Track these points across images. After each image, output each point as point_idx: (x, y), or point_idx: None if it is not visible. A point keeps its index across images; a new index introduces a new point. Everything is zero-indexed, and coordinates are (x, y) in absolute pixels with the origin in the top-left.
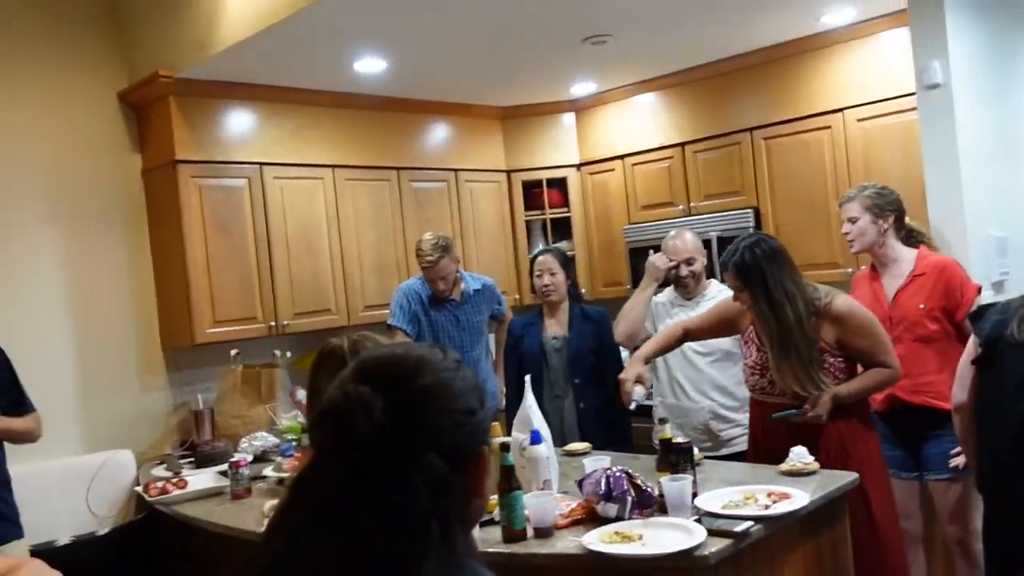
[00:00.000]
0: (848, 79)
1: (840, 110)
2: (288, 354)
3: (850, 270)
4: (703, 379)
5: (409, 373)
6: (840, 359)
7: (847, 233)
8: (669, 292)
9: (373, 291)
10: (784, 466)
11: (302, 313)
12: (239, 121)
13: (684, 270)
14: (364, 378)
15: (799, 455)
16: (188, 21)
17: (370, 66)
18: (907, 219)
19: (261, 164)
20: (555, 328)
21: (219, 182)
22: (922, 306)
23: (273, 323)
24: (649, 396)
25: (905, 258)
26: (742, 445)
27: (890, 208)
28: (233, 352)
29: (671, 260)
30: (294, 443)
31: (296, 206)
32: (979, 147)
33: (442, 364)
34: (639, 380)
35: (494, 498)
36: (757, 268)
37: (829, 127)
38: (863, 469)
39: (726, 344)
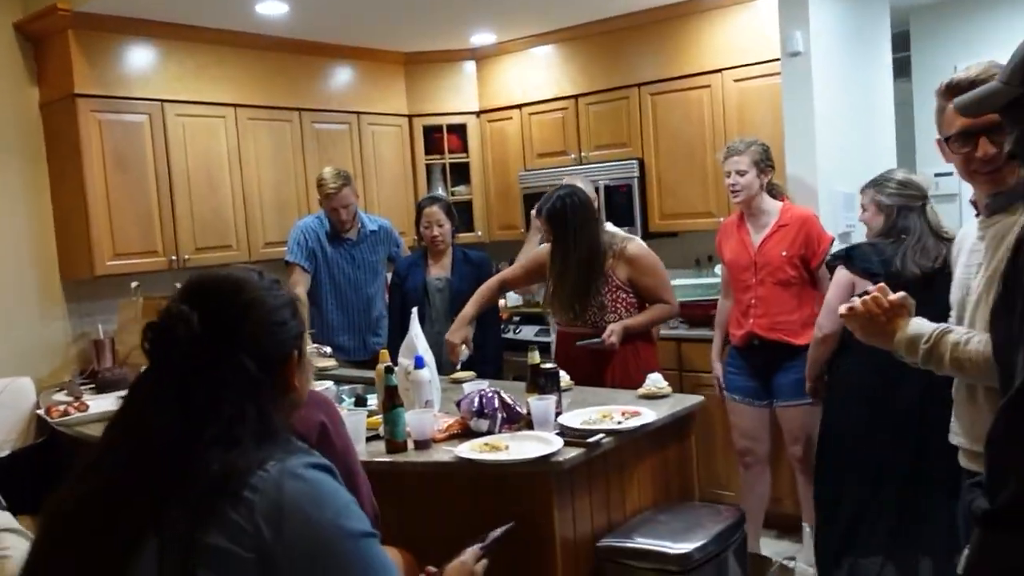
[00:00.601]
0: (727, 42)
1: (719, 71)
2: None
3: (722, 218)
4: None
5: (226, 292)
6: (631, 295)
7: (734, 185)
8: None
9: (273, 228)
10: (641, 390)
11: (203, 248)
12: (141, 57)
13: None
14: (187, 297)
15: (654, 380)
16: None
17: (272, 8)
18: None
19: (163, 101)
20: (438, 270)
21: (119, 117)
22: (784, 253)
23: (174, 257)
24: (472, 353)
25: (771, 210)
26: None
27: (769, 164)
28: (133, 284)
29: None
30: None
31: (198, 143)
32: (833, 111)
33: (258, 284)
34: (464, 342)
35: (379, 416)
36: (564, 214)
37: (709, 86)
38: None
39: None
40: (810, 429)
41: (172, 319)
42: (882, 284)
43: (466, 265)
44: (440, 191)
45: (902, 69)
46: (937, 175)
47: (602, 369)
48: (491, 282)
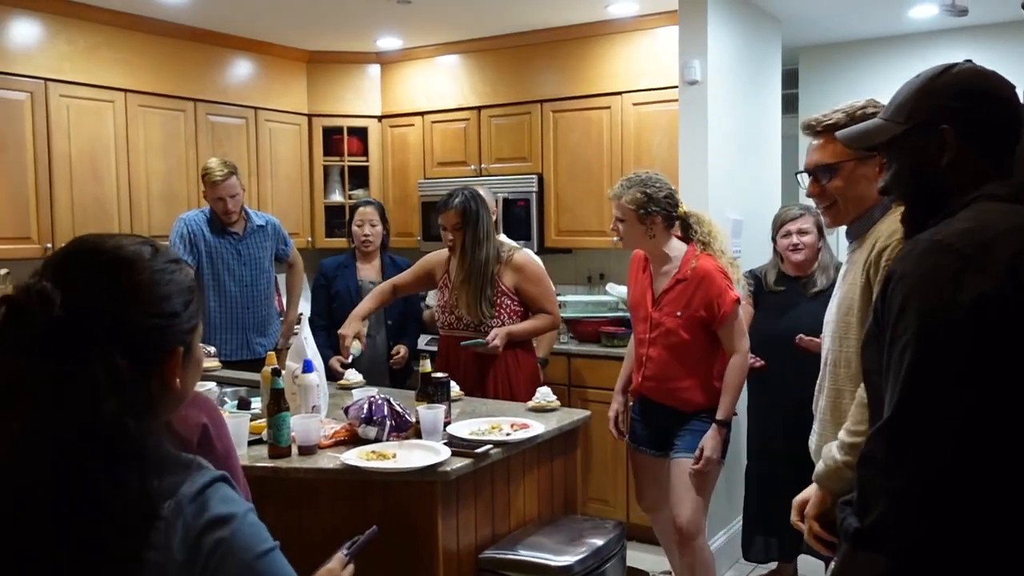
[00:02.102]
0: (628, 66)
1: (619, 93)
2: None
3: (615, 239)
4: None
5: (107, 270)
6: (515, 302)
7: (616, 231)
8: None
9: (160, 220)
10: (530, 403)
11: None
12: (26, 31)
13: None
14: (54, 272)
15: (544, 394)
16: None
17: None
18: (682, 207)
19: (46, 80)
20: (369, 273)
21: None
22: (678, 314)
23: (49, 244)
24: (363, 351)
25: (674, 256)
26: None
27: (656, 209)
28: (2, 271)
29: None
30: None
31: (83, 127)
32: (726, 140)
33: (149, 263)
34: (357, 336)
35: (263, 420)
36: (475, 212)
37: (609, 107)
38: (529, 392)
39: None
40: (700, 489)
41: (28, 297)
42: None
43: (395, 269)
44: (337, 194)
45: (790, 105)
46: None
47: (483, 374)
48: (384, 285)
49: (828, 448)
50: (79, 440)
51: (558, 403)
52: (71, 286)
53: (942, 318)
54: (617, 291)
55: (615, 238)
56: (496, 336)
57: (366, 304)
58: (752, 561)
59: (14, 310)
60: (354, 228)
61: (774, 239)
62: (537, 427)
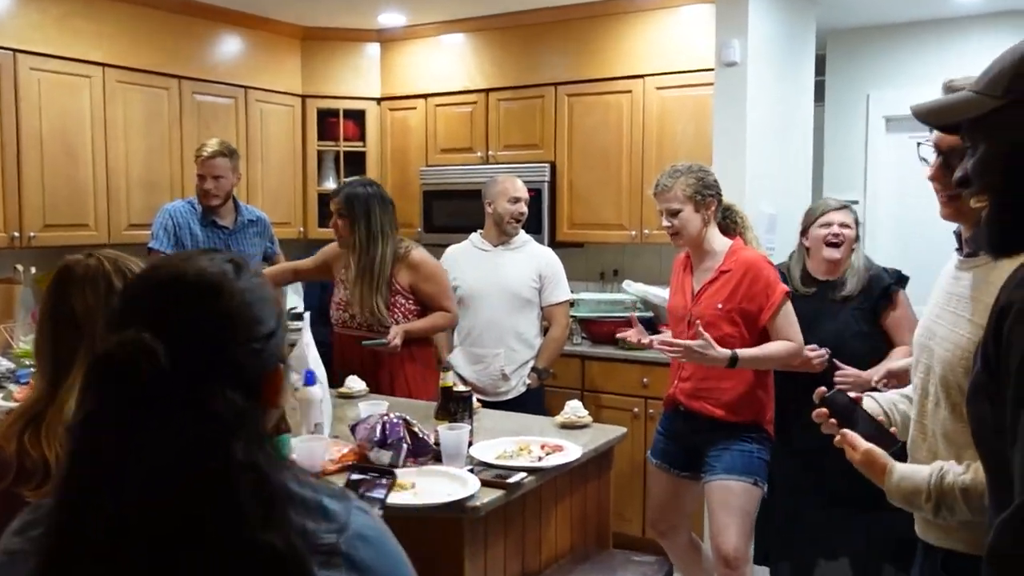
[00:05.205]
0: (651, 47)
1: (642, 76)
2: (33, 270)
3: (633, 232)
4: (503, 327)
5: (197, 303)
6: (411, 301)
7: (669, 227)
8: (475, 238)
9: (140, 208)
10: (560, 418)
11: (54, 225)
12: None
13: (524, 207)
14: (144, 315)
15: (574, 408)
16: None
17: None
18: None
19: (15, 51)
20: None
21: None
22: (720, 306)
23: (17, 233)
24: None
25: (718, 251)
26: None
27: (711, 193)
28: (31, 270)
29: (515, 198)
30: (32, 369)
31: (55, 103)
32: (764, 127)
33: (236, 284)
34: None
35: None
36: (366, 203)
37: (630, 91)
38: (428, 392)
39: (526, 293)
40: (745, 515)
41: (130, 353)
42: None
43: None
44: (331, 181)
45: (816, 93)
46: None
47: (377, 373)
48: (285, 266)
49: (941, 474)
50: (221, 494)
51: (590, 419)
52: (166, 328)
53: None
54: (634, 288)
55: (674, 236)
56: (396, 335)
57: None
58: None
59: (119, 372)
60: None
61: (805, 232)
62: (573, 450)
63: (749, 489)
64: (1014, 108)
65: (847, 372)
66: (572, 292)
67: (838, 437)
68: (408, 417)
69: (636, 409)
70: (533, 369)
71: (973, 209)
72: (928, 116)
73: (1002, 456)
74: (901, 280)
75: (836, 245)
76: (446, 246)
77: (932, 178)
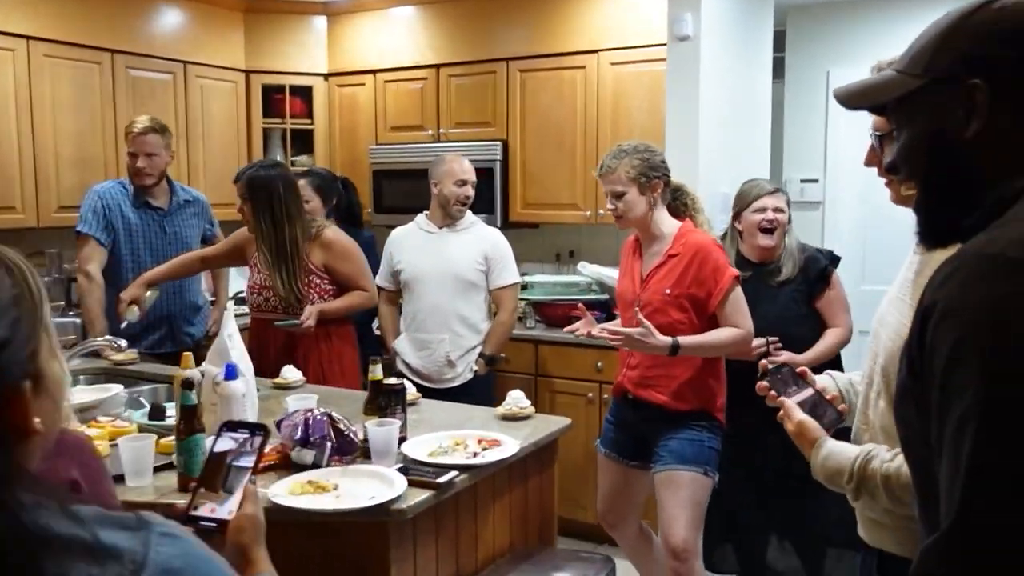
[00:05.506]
0: (606, 21)
1: (596, 51)
2: None
3: (588, 212)
4: (447, 312)
5: None
6: (327, 281)
7: (613, 209)
8: (421, 219)
9: (71, 189)
10: (501, 409)
11: None
12: None
13: (470, 190)
14: None
15: (516, 399)
16: None
17: None
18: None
19: None
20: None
21: None
22: (667, 292)
23: None
24: (144, 319)
25: (666, 234)
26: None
27: (656, 175)
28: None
29: (462, 180)
30: None
31: None
32: (719, 104)
33: None
34: (135, 301)
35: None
36: (268, 186)
37: (584, 67)
38: (345, 375)
39: (471, 276)
40: (695, 506)
41: None
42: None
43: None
44: (279, 160)
45: (775, 69)
46: (803, 180)
47: (293, 355)
48: (191, 254)
49: (867, 458)
50: None
51: (532, 410)
52: None
53: (1021, 372)
54: (590, 270)
55: (615, 221)
56: (309, 316)
57: (161, 270)
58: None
59: None
60: None
61: (737, 216)
62: (511, 444)
63: (698, 479)
64: (935, 87)
65: (778, 357)
66: (527, 274)
67: (784, 416)
68: (333, 413)
69: (591, 394)
70: (481, 355)
71: (909, 195)
72: (848, 99)
73: (930, 466)
74: (835, 260)
75: (770, 231)
76: (396, 227)
77: (867, 163)
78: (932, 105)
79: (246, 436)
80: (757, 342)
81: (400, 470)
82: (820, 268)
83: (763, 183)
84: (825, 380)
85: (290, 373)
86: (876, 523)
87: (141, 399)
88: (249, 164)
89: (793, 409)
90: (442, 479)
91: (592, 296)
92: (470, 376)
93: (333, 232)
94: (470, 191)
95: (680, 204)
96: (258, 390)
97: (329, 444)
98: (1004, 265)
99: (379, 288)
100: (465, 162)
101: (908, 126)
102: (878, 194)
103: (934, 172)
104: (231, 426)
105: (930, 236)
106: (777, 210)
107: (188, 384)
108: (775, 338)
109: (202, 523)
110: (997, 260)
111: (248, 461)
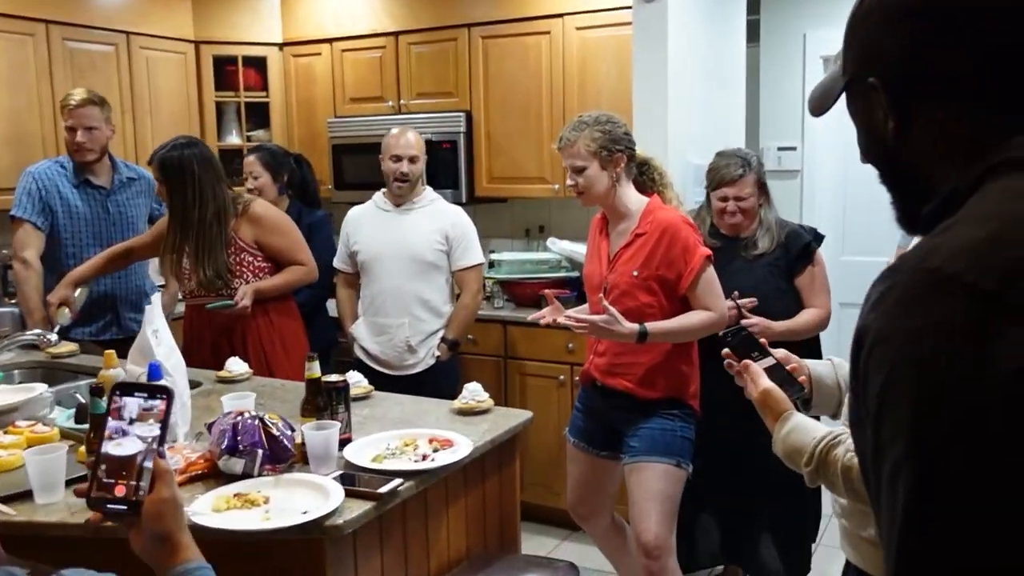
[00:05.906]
0: None
1: (560, 15)
2: None
3: (556, 186)
4: (406, 294)
5: None
6: (259, 258)
7: (573, 185)
8: (378, 197)
9: (5, 170)
10: (457, 403)
11: None
12: None
13: (406, 167)
14: None
15: (473, 392)
16: None
17: None
18: (638, 151)
19: None
20: None
21: None
22: (635, 273)
23: None
24: (76, 318)
25: (632, 210)
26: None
27: (619, 148)
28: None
29: (396, 156)
30: None
31: None
32: (690, 69)
33: None
34: (65, 303)
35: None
36: (182, 166)
37: (548, 32)
38: (289, 354)
39: (430, 257)
40: (666, 500)
41: None
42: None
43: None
44: (235, 135)
45: (751, 33)
46: (780, 148)
47: (231, 339)
48: (117, 247)
49: (831, 443)
50: None
51: (491, 402)
52: None
53: (957, 418)
54: (560, 246)
55: (577, 197)
56: (244, 295)
57: (86, 268)
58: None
59: None
60: (245, 182)
61: (708, 191)
62: (464, 445)
63: (671, 471)
64: (854, 86)
65: (751, 320)
66: (495, 251)
67: (748, 381)
68: (266, 417)
69: (562, 376)
70: (443, 340)
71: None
72: (813, 109)
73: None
74: (818, 237)
75: (734, 215)
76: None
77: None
78: (858, 104)
79: (147, 402)
80: (727, 303)
81: (339, 478)
82: (803, 244)
83: (730, 166)
84: (821, 366)
85: (235, 366)
86: (861, 539)
87: (78, 395)
88: (162, 144)
89: (759, 375)
90: (384, 489)
91: (563, 274)
92: (432, 362)
93: (261, 206)
94: (406, 167)
95: (647, 179)
96: (200, 384)
97: (260, 452)
98: (938, 285)
99: (336, 270)
100: (406, 136)
101: (854, 122)
102: (858, 163)
103: (880, 168)
104: (126, 389)
105: (904, 224)
106: (738, 199)
107: (98, 391)
108: (752, 299)
109: (109, 507)
110: (933, 278)
111: (153, 431)
